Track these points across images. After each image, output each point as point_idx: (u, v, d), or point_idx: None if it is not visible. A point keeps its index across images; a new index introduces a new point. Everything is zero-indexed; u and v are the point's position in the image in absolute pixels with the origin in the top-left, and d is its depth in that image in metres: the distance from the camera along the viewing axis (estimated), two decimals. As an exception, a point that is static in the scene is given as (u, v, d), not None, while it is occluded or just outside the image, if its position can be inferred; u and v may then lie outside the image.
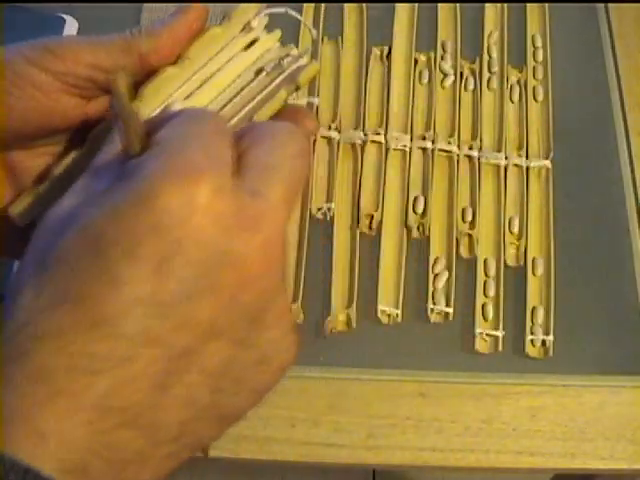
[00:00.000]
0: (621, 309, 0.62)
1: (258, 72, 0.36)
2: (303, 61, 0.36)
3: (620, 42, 0.73)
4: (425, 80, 0.71)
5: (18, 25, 0.69)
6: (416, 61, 0.71)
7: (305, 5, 0.74)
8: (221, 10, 0.37)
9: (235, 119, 0.35)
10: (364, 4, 0.74)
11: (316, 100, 0.60)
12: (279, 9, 0.37)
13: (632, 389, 0.59)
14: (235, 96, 0.36)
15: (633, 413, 0.58)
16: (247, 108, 0.35)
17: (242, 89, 0.36)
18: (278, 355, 0.28)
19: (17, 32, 0.69)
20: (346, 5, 0.74)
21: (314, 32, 0.38)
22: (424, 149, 0.67)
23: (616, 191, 0.67)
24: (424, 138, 0.68)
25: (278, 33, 0.37)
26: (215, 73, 0.36)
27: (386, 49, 0.72)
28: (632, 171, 0.67)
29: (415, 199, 0.65)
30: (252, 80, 0.36)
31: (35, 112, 0.33)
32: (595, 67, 0.73)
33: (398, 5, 0.74)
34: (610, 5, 0.76)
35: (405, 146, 0.67)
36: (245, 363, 0.27)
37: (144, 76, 0.35)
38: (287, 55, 0.37)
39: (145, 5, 0.73)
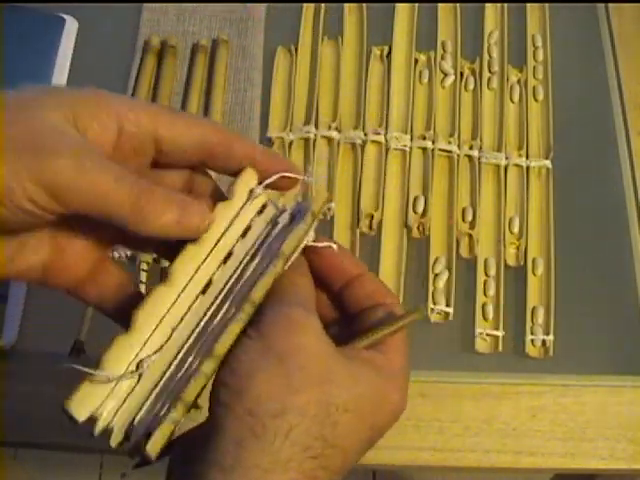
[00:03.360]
0: (621, 309, 0.62)
1: (273, 224, 0.38)
2: (305, 201, 0.38)
3: (620, 42, 0.73)
4: (425, 80, 0.71)
5: (18, 25, 0.69)
6: (416, 61, 0.71)
7: (305, 5, 0.74)
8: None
9: (267, 261, 0.36)
10: (364, 4, 0.74)
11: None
12: (277, 175, 0.38)
13: (632, 389, 0.59)
14: (260, 247, 0.37)
15: (633, 413, 0.58)
16: (274, 248, 0.37)
17: (263, 241, 0.38)
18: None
19: (17, 32, 0.69)
20: (346, 5, 0.74)
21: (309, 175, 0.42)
22: (424, 149, 0.67)
23: (616, 191, 0.67)
24: (424, 138, 0.68)
25: (293, 196, 0.40)
26: (239, 240, 0.37)
27: (386, 49, 0.72)
28: (632, 171, 0.67)
29: (415, 199, 0.65)
30: (271, 231, 0.38)
31: None
32: (595, 67, 0.73)
33: (398, 5, 0.74)
34: (610, 5, 0.76)
35: (405, 146, 0.67)
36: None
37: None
38: (290, 207, 0.39)
39: (145, 5, 0.73)
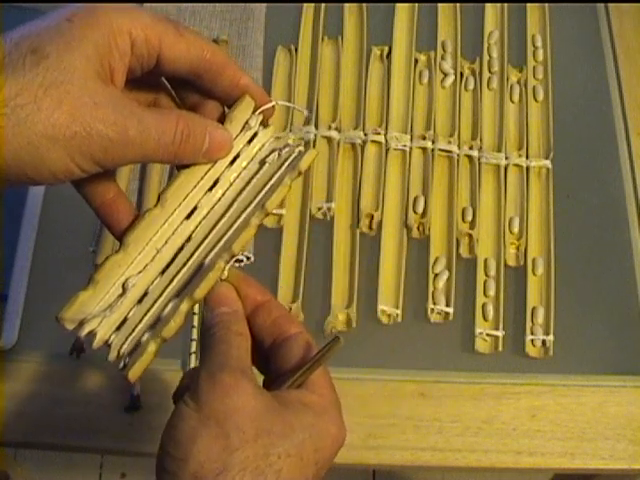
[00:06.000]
0: (621, 309, 0.62)
1: (262, 163, 0.40)
2: (301, 149, 0.40)
3: (620, 42, 0.74)
4: (425, 80, 0.71)
5: (18, 25, 0.69)
6: (416, 61, 0.71)
7: (305, 5, 0.74)
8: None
9: (250, 208, 0.39)
10: (364, 4, 0.74)
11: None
12: (270, 104, 0.40)
13: (632, 389, 0.59)
14: (245, 187, 0.39)
15: (633, 413, 0.58)
16: (258, 197, 0.39)
17: (250, 180, 0.40)
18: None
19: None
20: (346, 5, 0.74)
21: (306, 112, 0.43)
22: (424, 149, 0.67)
23: (616, 191, 0.67)
24: (424, 138, 0.68)
25: (272, 128, 0.41)
26: (226, 168, 0.39)
27: (386, 49, 0.72)
28: (632, 171, 0.67)
29: (415, 199, 0.65)
30: (258, 171, 0.40)
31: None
32: (595, 67, 0.73)
33: (398, 5, 0.74)
34: (610, 5, 0.76)
35: (405, 146, 0.67)
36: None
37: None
38: (286, 146, 0.40)
39: (145, 5, 0.73)
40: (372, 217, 0.64)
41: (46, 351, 0.59)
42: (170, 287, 0.38)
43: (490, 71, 0.71)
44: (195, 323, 0.59)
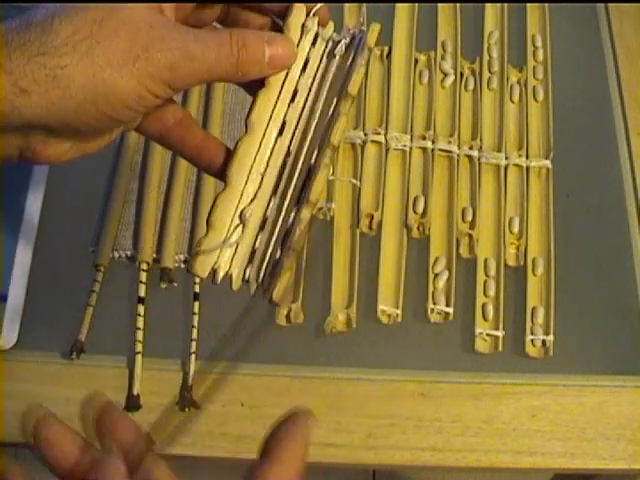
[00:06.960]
0: (621, 309, 0.62)
1: (330, 57, 0.41)
2: (360, 33, 0.40)
3: (620, 42, 0.74)
4: (425, 80, 0.71)
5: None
6: (416, 61, 0.71)
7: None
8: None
9: (334, 101, 0.39)
10: (364, 4, 0.74)
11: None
12: (320, 4, 0.41)
13: (632, 389, 0.59)
14: (323, 84, 0.40)
15: (633, 413, 0.58)
16: (338, 87, 0.40)
17: (325, 76, 0.40)
18: None
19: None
20: (346, 5, 0.74)
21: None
22: (424, 149, 0.67)
23: (616, 191, 0.67)
24: (424, 138, 0.68)
25: (331, 24, 0.41)
26: (300, 75, 0.40)
27: (386, 49, 0.72)
28: (632, 171, 0.67)
29: (415, 199, 0.65)
30: (329, 65, 0.40)
31: None
32: (595, 67, 0.73)
33: (398, 5, 0.74)
34: (610, 5, 0.76)
35: (405, 146, 0.67)
36: None
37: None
38: (347, 33, 0.41)
39: (145, 5, 0.73)
40: (372, 217, 0.64)
41: (46, 351, 0.59)
42: (286, 203, 0.39)
43: (490, 71, 0.71)
44: (195, 323, 0.59)
